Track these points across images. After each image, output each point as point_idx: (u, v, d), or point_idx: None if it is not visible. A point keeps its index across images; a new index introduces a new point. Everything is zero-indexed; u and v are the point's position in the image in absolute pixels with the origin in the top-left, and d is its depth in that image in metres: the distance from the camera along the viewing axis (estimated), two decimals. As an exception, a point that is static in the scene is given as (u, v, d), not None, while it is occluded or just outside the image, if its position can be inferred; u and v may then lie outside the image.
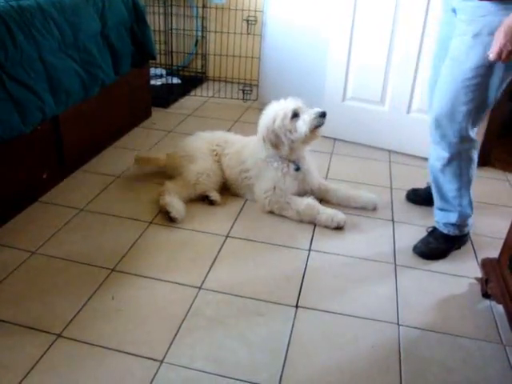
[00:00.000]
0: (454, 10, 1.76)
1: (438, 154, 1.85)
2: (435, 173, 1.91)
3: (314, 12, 3.08)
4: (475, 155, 1.85)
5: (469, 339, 1.58)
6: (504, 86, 1.70)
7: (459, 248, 2.02)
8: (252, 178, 2.26)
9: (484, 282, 1.74)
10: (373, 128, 2.90)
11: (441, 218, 1.98)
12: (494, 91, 1.69)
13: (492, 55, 1.56)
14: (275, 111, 2.12)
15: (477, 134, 1.83)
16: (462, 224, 1.95)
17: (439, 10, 1.98)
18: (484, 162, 2.84)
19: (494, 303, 1.72)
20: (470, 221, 1.97)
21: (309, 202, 2.15)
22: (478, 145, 1.86)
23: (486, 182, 2.67)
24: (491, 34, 1.56)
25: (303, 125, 2.08)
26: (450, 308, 1.71)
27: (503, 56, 1.53)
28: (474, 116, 1.73)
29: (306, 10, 3.10)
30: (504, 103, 2.73)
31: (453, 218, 1.93)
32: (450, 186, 1.89)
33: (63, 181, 2.36)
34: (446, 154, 1.82)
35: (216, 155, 2.35)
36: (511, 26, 1.49)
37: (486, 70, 1.64)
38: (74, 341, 1.47)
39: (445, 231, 1.97)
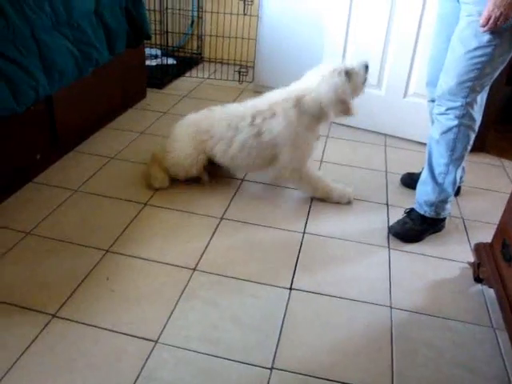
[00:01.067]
0: None
1: (440, 124, 1.90)
2: (431, 144, 1.95)
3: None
4: (472, 136, 1.90)
5: (459, 322, 1.60)
6: (505, 63, 1.79)
7: (434, 233, 2.04)
8: (280, 147, 2.10)
9: (476, 266, 1.76)
10: (369, 111, 2.89)
11: (421, 194, 2.00)
12: (498, 69, 1.79)
13: (481, 21, 1.65)
14: (331, 79, 2.03)
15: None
16: (439, 205, 1.97)
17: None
18: (479, 147, 2.84)
19: (485, 287, 1.74)
20: (448, 206, 1.99)
21: (320, 176, 2.19)
22: (477, 128, 1.90)
23: (481, 168, 2.68)
24: None
25: (359, 82, 2.07)
26: (441, 291, 1.73)
27: (491, 21, 1.63)
28: (477, 90, 1.81)
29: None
30: (501, 88, 2.72)
31: (433, 194, 1.96)
32: (440, 160, 1.93)
33: (57, 162, 2.34)
34: (447, 123, 1.87)
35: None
36: None
37: (491, 49, 1.71)
38: (69, 321, 1.47)
39: (421, 211, 1.99)
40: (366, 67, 2.08)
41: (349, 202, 2.20)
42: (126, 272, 1.69)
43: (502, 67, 1.80)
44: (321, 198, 2.19)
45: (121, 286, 1.63)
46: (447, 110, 1.86)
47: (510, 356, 1.46)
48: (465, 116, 1.84)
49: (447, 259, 1.90)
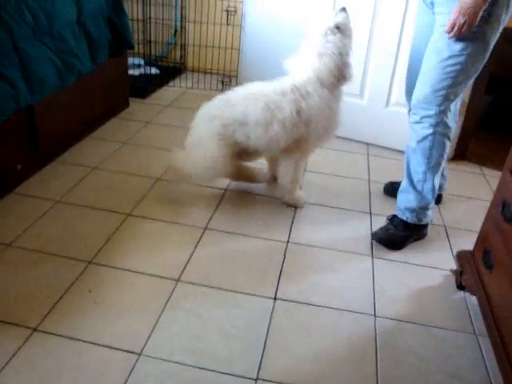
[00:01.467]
0: (431, 3, 1.85)
1: (416, 133, 1.94)
2: (408, 153, 2.00)
3: (294, 3, 3.07)
4: (447, 144, 1.95)
5: (443, 329, 1.61)
6: (478, 72, 1.86)
7: (417, 240, 2.06)
8: (314, 123, 2.05)
9: (459, 273, 1.78)
10: (351, 121, 2.91)
11: (402, 201, 2.04)
12: (471, 77, 1.85)
13: (447, 27, 1.71)
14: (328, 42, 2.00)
15: (455, 127, 1.95)
16: (420, 211, 2.00)
17: (416, 2, 2.02)
18: (460, 155, 2.89)
19: (468, 295, 1.76)
20: (429, 212, 2.02)
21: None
22: (452, 135, 1.96)
23: (462, 176, 2.71)
24: None
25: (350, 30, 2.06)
26: (425, 299, 1.75)
27: (455, 29, 1.69)
28: (452, 98, 1.87)
29: (286, 1, 3.09)
30: (480, 97, 2.77)
31: (413, 201, 1.99)
32: (417, 168, 1.97)
33: (39, 172, 2.31)
34: (422, 132, 1.92)
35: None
36: (466, 2, 1.64)
37: (463, 58, 1.77)
38: (51, 334, 1.45)
39: (403, 217, 2.02)
40: (345, 10, 2.04)
41: (299, 206, 2.23)
42: (109, 284, 1.67)
43: (475, 75, 1.86)
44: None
45: (104, 297, 1.61)
46: (422, 118, 1.91)
47: (492, 363, 1.47)
48: (439, 124, 1.89)
49: (430, 267, 1.92)
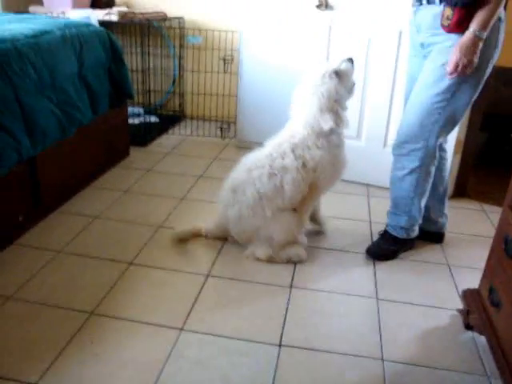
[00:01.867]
0: (422, 45, 1.93)
1: (402, 165, 2.04)
2: (395, 182, 2.10)
3: (289, 51, 3.15)
4: (433, 170, 2.05)
5: (453, 372, 1.57)
6: (467, 108, 1.93)
7: (405, 251, 2.22)
8: (319, 172, 2.06)
9: (466, 313, 1.75)
10: (350, 162, 2.92)
11: (392, 220, 2.19)
12: (460, 112, 1.93)
13: (449, 68, 1.77)
14: (324, 85, 2.02)
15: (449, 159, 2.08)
16: (409, 228, 2.15)
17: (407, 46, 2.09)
18: (460, 192, 2.90)
19: (476, 334, 1.72)
20: (416, 227, 2.18)
21: None
22: (437, 161, 2.05)
23: (463, 213, 2.71)
24: None
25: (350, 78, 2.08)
26: (433, 341, 1.71)
27: (459, 69, 1.76)
28: (439, 134, 1.94)
29: (281, 49, 3.18)
30: (476, 135, 2.81)
31: (402, 221, 2.14)
32: (404, 195, 2.08)
33: (40, 223, 2.32)
34: (410, 165, 2.01)
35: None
36: (465, 43, 1.72)
37: (451, 95, 1.84)
38: (52, 389, 1.42)
39: (394, 233, 2.18)
40: (351, 61, 2.09)
41: (298, 261, 2.13)
42: (111, 334, 1.64)
43: (464, 112, 1.93)
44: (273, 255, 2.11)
45: (105, 349, 1.58)
46: (409, 152, 1.98)
47: (506, 406, 1.43)
48: (426, 157, 1.97)
49: (436, 307, 1.89)
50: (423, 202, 2.12)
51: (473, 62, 1.74)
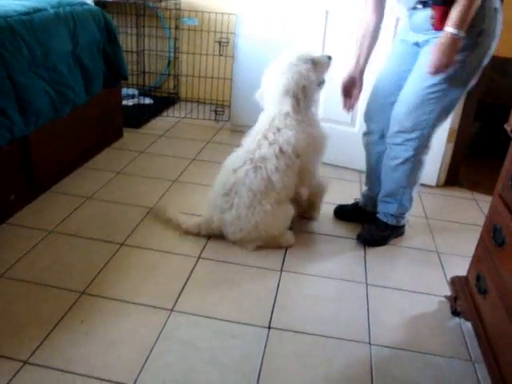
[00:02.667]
0: (417, 44, 1.95)
1: (395, 154, 2.05)
2: (387, 171, 2.11)
3: (285, 35, 3.13)
4: (426, 160, 2.07)
5: (439, 357, 1.60)
6: (460, 98, 1.96)
7: (396, 237, 2.25)
8: (303, 156, 2.06)
9: (453, 299, 1.77)
10: (343, 148, 2.95)
11: (382, 208, 2.21)
12: (455, 102, 1.94)
13: (429, 69, 1.80)
14: (296, 67, 2.00)
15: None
16: (399, 216, 2.18)
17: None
18: (452, 181, 2.91)
19: (463, 320, 1.75)
20: (407, 216, 2.22)
21: None
22: (429, 151, 2.07)
23: (454, 202, 2.73)
24: None
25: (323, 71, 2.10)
26: (420, 326, 1.74)
27: (439, 70, 1.78)
28: (435, 124, 1.96)
29: (278, 33, 3.16)
30: (469, 124, 2.82)
31: (392, 209, 2.17)
32: (396, 184, 2.10)
33: (32, 202, 2.31)
34: (403, 155, 2.02)
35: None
36: (442, 43, 1.73)
37: (446, 85, 1.86)
38: (41, 367, 1.42)
39: (384, 220, 2.20)
40: (329, 58, 2.11)
41: (287, 246, 2.14)
42: (102, 314, 1.65)
43: (458, 100, 1.95)
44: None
45: (96, 328, 1.59)
46: (404, 141, 1.99)
47: (489, 390, 1.46)
48: (421, 147, 1.99)
49: (424, 293, 1.91)
50: (415, 192, 2.15)
51: (453, 62, 1.75)
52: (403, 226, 2.27)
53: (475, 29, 1.75)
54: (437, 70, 1.78)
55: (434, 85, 1.86)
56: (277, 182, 2.00)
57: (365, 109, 2.22)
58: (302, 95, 2.02)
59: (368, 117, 2.20)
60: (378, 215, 2.23)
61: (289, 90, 2.00)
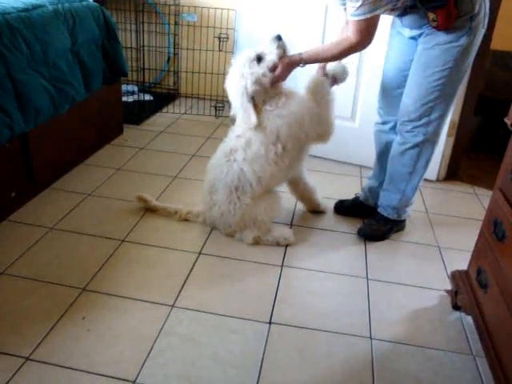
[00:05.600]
0: (413, 38, 1.97)
1: (405, 139, 2.06)
2: (394, 155, 2.12)
3: (285, 30, 3.11)
4: (434, 149, 2.07)
5: (440, 351, 1.60)
6: (462, 82, 1.99)
7: (397, 231, 2.25)
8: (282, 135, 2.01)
9: (454, 293, 1.77)
10: (343, 143, 2.94)
11: (384, 200, 2.21)
12: (458, 85, 1.97)
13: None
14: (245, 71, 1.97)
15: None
16: (400, 209, 2.18)
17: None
18: (452, 176, 2.91)
19: (463, 315, 1.75)
20: (408, 210, 2.22)
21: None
22: (439, 140, 2.09)
23: (455, 196, 2.73)
24: (449, 41, 1.83)
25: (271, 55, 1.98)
26: (421, 320, 1.74)
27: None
28: (441, 110, 1.97)
29: (277, 29, 3.14)
30: (470, 118, 2.81)
31: (395, 200, 2.16)
32: (403, 170, 2.10)
33: (33, 199, 2.31)
34: (413, 140, 2.03)
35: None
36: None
37: (447, 72, 1.88)
38: (43, 363, 1.43)
39: (385, 214, 2.20)
40: (278, 38, 2.02)
41: (286, 244, 2.12)
42: (103, 310, 1.66)
43: (460, 85, 1.98)
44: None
45: (97, 325, 1.59)
46: (413, 128, 2.01)
47: (490, 383, 1.46)
48: (429, 132, 2.00)
49: (425, 287, 1.91)
50: (420, 182, 2.14)
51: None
52: (404, 221, 2.27)
53: (467, 15, 1.80)
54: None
55: (436, 73, 1.89)
56: (248, 172, 2.02)
57: (377, 101, 2.24)
58: (259, 92, 1.97)
59: (381, 109, 2.22)
60: (378, 209, 2.23)
61: (244, 96, 1.96)
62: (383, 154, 2.24)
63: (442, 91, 1.92)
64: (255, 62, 1.97)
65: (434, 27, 1.82)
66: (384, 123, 2.21)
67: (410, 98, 1.98)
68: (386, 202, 2.19)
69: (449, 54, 1.85)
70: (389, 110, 2.16)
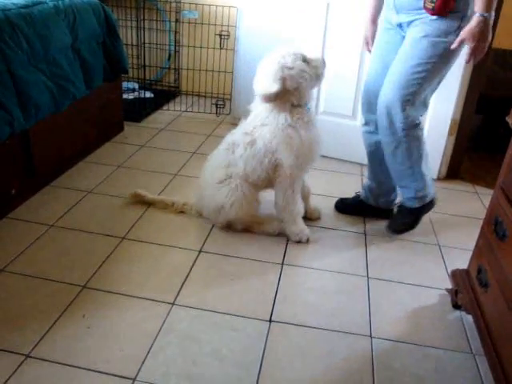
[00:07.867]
0: (400, 25, 1.95)
1: (388, 139, 2.04)
2: (388, 158, 2.10)
3: (287, 28, 3.12)
4: (422, 134, 2.05)
5: (440, 349, 1.60)
6: (443, 79, 1.98)
7: (428, 211, 2.23)
8: (278, 152, 2.02)
9: (454, 292, 1.77)
10: (344, 142, 2.94)
11: (402, 193, 2.20)
12: (439, 81, 1.97)
13: (467, 58, 1.82)
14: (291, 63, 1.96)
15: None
16: (420, 196, 2.14)
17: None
18: (453, 174, 2.91)
19: (464, 313, 1.75)
20: (428, 190, 2.14)
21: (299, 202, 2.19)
22: (423, 125, 2.08)
23: (455, 194, 2.73)
24: (437, 36, 1.83)
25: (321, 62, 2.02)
26: (421, 319, 1.74)
27: (475, 56, 1.82)
28: (420, 103, 1.96)
29: (279, 26, 3.13)
30: (471, 117, 2.80)
31: (411, 192, 2.14)
32: (402, 167, 2.08)
33: (33, 196, 2.31)
34: (395, 137, 2.00)
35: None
36: (476, 29, 1.75)
37: (430, 66, 1.87)
38: (44, 361, 1.43)
39: (408, 205, 2.18)
40: (323, 62, 2.06)
41: (300, 241, 2.12)
42: (103, 308, 1.66)
43: (439, 82, 1.97)
44: (277, 230, 2.15)
45: (97, 322, 1.59)
46: (390, 123, 1.98)
47: (490, 382, 1.46)
48: (409, 126, 1.97)
49: (425, 286, 1.91)
50: (424, 166, 2.09)
51: (487, 46, 1.79)
52: (432, 200, 2.20)
53: (459, 14, 1.80)
54: (478, 54, 1.81)
55: (420, 64, 1.88)
56: (239, 167, 2.05)
57: (361, 101, 2.22)
58: (291, 85, 1.95)
59: (364, 109, 2.20)
60: (401, 202, 2.22)
61: (277, 77, 1.93)
62: (373, 154, 2.23)
63: (421, 86, 1.90)
64: (300, 58, 1.98)
65: (429, 9, 1.79)
66: (367, 123, 2.20)
67: (389, 89, 1.95)
68: (405, 196, 2.18)
69: (436, 49, 1.84)
70: (371, 108, 2.12)
